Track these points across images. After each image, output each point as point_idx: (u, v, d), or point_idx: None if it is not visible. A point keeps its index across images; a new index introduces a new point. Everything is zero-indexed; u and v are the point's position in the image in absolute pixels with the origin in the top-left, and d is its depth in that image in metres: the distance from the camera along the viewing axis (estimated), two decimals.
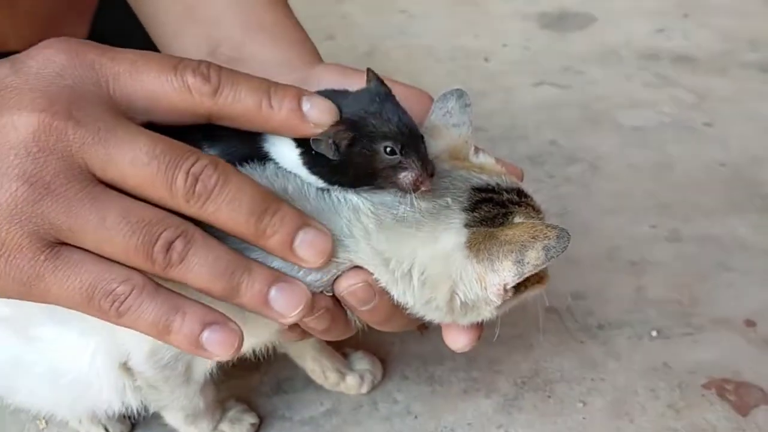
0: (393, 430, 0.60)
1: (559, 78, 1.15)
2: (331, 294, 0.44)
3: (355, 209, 0.43)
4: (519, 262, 0.40)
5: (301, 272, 0.42)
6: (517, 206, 0.44)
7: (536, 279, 0.45)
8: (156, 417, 0.57)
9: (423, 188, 0.41)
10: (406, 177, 0.41)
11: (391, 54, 1.20)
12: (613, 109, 1.06)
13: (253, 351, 0.50)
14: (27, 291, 0.38)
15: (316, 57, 0.58)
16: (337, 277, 0.43)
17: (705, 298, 0.74)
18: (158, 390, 0.51)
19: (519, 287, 0.44)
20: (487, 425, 0.61)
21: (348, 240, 0.42)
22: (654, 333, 0.70)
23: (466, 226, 0.42)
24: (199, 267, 0.38)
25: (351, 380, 0.61)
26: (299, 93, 0.41)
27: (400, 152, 0.40)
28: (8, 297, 0.39)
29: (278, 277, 0.41)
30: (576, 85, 1.13)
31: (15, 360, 0.50)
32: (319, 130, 0.41)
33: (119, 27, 0.98)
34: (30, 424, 0.59)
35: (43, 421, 0.59)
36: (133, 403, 0.52)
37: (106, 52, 0.40)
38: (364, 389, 0.62)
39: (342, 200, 0.43)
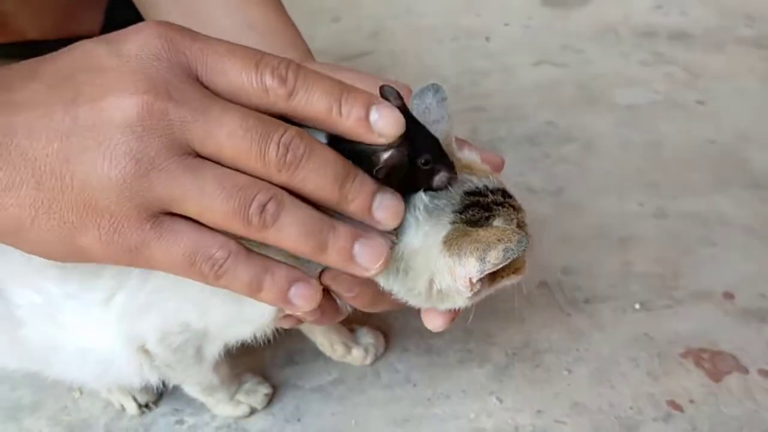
0: (394, 397, 0.66)
1: (557, 57, 1.18)
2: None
3: None
4: (481, 259, 0.45)
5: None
6: (500, 207, 0.48)
7: (512, 270, 0.50)
8: (180, 387, 0.63)
9: (452, 182, 0.47)
10: (441, 178, 0.46)
11: (396, 35, 1.24)
12: (609, 88, 1.10)
13: (255, 336, 0.55)
14: (134, 258, 0.42)
15: (308, 54, 0.62)
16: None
17: (687, 272, 0.79)
18: (173, 369, 0.56)
19: (495, 277, 0.49)
20: (480, 392, 0.66)
21: None
22: (637, 306, 0.75)
23: (452, 223, 0.47)
24: (290, 227, 0.41)
25: (356, 353, 0.67)
26: (369, 101, 0.43)
27: (432, 161, 0.46)
28: (117, 264, 0.44)
29: (360, 233, 0.44)
30: (574, 64, 1.16)
31: (49, 341, 0.55)
32: (383, 140, 0.43)
33: (132, 18, 1.02)
34: (66, 395, 0.66)
35: (78, 391, 0.65)
36: (152, 379, 0.57)
37: (197, 40, 0.42)
38: (368, 361, 0.68)
39: None
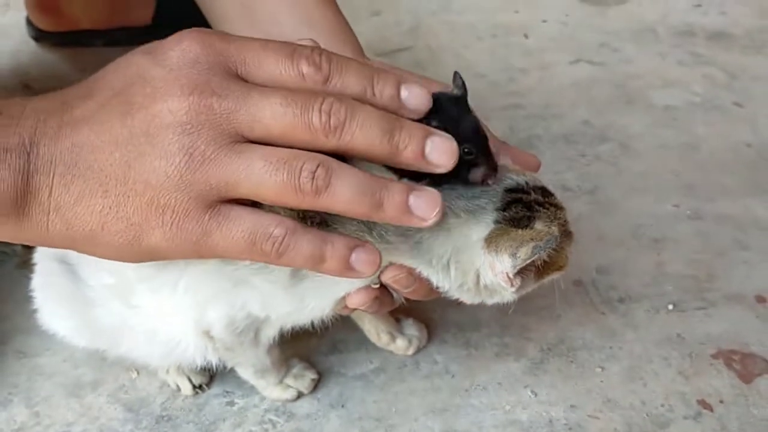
0: (433, 387, 0.69)
1: (595, 55, 1.19)
2: (378, 285, 0.52)
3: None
4: (513, 255, 0.48)
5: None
6: (542, 207, 0.51)
7: (556, 267, 0.53)
8: (231, 370, 0.66)
9: (489, 181, 0.50)
10: (476, 173, 0.49)
11: (435, 30, 1.25)
12: (646, 89, 1.11)
13: (312, 323, 0.59)
14: (198, 249, 0.45)
15: (361, 53, 0.64)
16: (382, 270, 0.51)
17: (720, 275, 0.80)
18: (233, 351, 0.60)
19: (541, 273, 0.53)
20: (516, 385, 0.69)
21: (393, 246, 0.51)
22: (670, 306, 0.77)
23: (495, 222, 0.50)
24: (343, 189, 0.44)
25: (400, 342, 0.70)
26: (398, 81, 0.47)
27: (475, 154, 0.48)
28: (183, 257, 0.47)
29: (412, 186, 0.46)
30: (611, 63, 1.17)
31: (119, 321, 0.59)
32: (414, 115, 0.47)
33: (181, 10, 1.06)
34: (124, 374, 0.69)
35: (135, 372, 0.69)
36: (213, 360, 0.62)
37: (233, 41, 0.46)
38: (411, 351, 0.71)
39: None
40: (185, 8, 0.93)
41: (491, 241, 0.50)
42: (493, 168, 0.50)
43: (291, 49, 0.46)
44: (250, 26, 0.65)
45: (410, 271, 0.52)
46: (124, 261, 0.48)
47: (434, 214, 0.46)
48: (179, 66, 0.44)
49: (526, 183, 0.53)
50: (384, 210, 0.45)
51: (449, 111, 0.49)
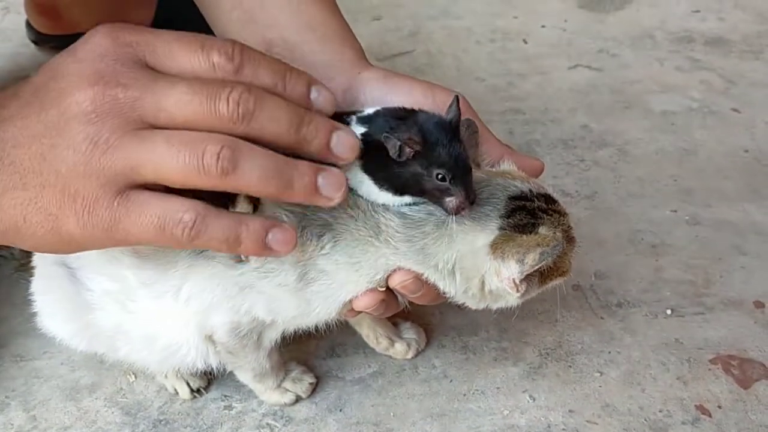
0: (431, 391, 0.69)
1: (593, 60, 1.19)
2: (384, 288, 0.52)
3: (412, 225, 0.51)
4: (520, 261, 0.49)
5: (363, 276, 0.52)
6: (545, 214, 0.51)
7: (559, 272, 0.53)
8: (229, 374, 0.66)
9: (463, 213, 0.49)
10: (451, 202, 0.49)
11: (434, 35, 1.26)
12: (644, 94, 1.11)
13: (316, 327, 0.59)
14: (111, 236, 0.46)
15: (362, 58, 0.64)
16: (389, 275, 0.52)
17: (718, 280, 0.80)
18: (234, 355, 0.60)
19: (544, 278, 0.53)
20: (514, 389, 0.69)
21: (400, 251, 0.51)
22: (668, 311, 0.77)
23: (500, 229, 0.51)
24: (252, 169, 0.44)
25: (399, 346, 0.70)
26: (310, 81, 0.48)
27: (450, 181, 0.48)
28: (96, 246, 0.48)
29: (320, 167, 0.47)
30: (609, 68, 1.18)
31: (118, 326, 0.59)
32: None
33: (181, 12, 1.05)
34: (122, 378, 0.69)
35: (133, 375, 0.69)
36: (213, 364, 0.62)
37: (143, 33, 0.47)
38: (410, 355, 0.71)
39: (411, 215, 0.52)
40: (185, 12, 0.94)
41: (497, 248, 0.50)
42: (469, 200, 0.49)
43: (202, 40, 0.47)
44: (251, 30, 0.65)
45: (417, 276, 0.53)
46: (49, 252, 0.50)
47: (339, 193, 0.47)
48: (88, 59, 0.46)
49: (530, 191, 0.53)
50: (293, 189, 0.46)
51: (434, 134, 0.49)
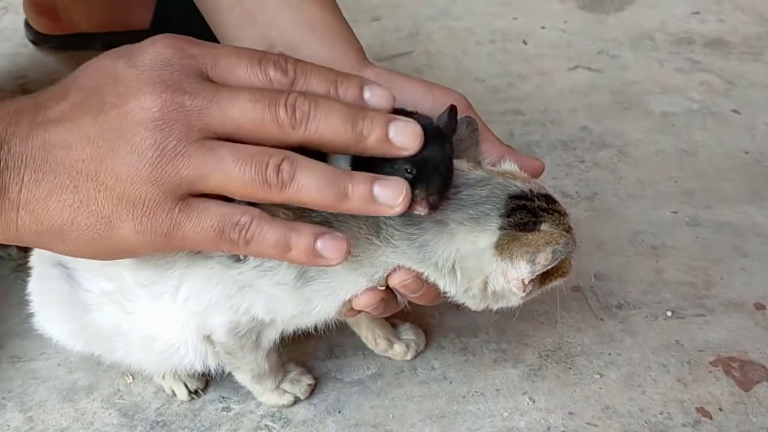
0: (430, 392, 0.69)
1: (593, 62, 1.19)
2: (384, 287, 0.52)
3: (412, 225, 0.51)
4: (531, 261, 0.49)
5: (362, 275, 0.51)
6: (546, 213, 0.51)
7: (560, 273, 0.53)
8: (227, 376, 0.66)
9: (415, 212, 0.48)
10: (419, 195, 0.48)
11: (434, 36, 1.25)
12: (644, 95, 1.11)
13: (315, 327, 0.59)
14: (168, 242, 0.47)
15: (363, 57, 0.64)
16: (389, 274, 0.52)
17: (718, 282, 0.80)
18: (233, 355, 0.60)
19: (544, 279, 0.53)
20: (514, 391, 0.69)
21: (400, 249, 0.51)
22: (669, 313, 0.77)
23: (500, 229, 0.50)
24: (308, 181, 0.45)
25: (398, 348, 0.70)
26: (361, 83, 0.49)
27: (414, 176, 0.47)
28: (153, 250, 0.48)
29: (375, 176, 0.47)
30: (609, 70, 1.17)
31: (115, 327, 0.59)
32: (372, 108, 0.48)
33: (180, 14, 1.05)
34: (119, 379, 0.69)
35: (131, 377, 0.69)
36: (212, 365, 0.61)
37: (204, 47, 0.48)
38: (409, 356, 0.70)
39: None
40: (184, 12, 0.93)
41: (503, 248, 0.50)
42: (431, 204, 0.48)
43: (260, 55, 0.48)
44: (251, 30, 0.64)
45: (418, 276, 0.52)
46: (90, 257, 0.49)
47: (400, 200, 0.46)
48: (152, 67, 0.46)
49: (531, 190, 0.52)
50: (349, 200, 0.46)
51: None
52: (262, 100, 0.46)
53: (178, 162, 0.45)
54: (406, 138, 0.47)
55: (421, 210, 0.48)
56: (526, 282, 0.50)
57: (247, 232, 0.46)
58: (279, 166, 0.45)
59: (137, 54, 0.47)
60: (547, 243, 0.48)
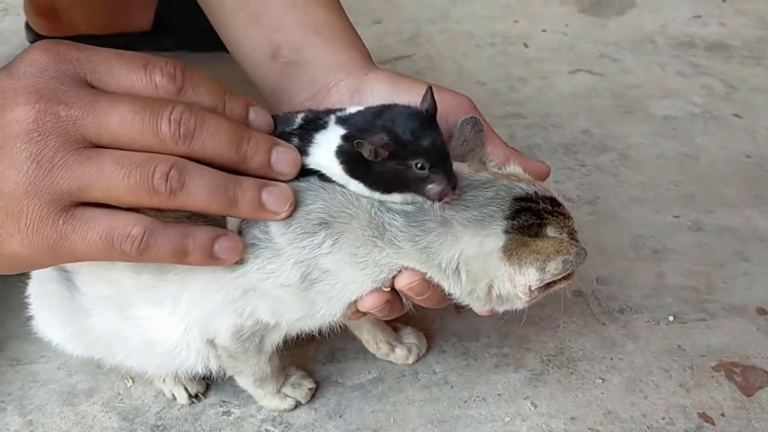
0: (431, 397, 0.68)
1: (594, 65, 1.19)
2: (389, 289, 0.52)
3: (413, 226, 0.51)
4: (541, 269, 0.48)
5: (367, 276, 0.51)
6: (551, 216, 0.51)
7: (564, 277, 0.53)
8: (228, 379, 0.65)
9: (446, 199, 0.49)
10: (432, 189, 0.49)
11: (434, 39, 1.25)
12: (646, 99, 1.11)
13: (320, 330, 0.58)
14: (56, 254, 0.46)
15: (368, 60, 0.64)
16: (395, 276, 0.51)
17: (720, 286, 0.80)
18: (236, 359, 0.60)
19: (549, 283, 0.52)
20: (515, 396, 0.69)
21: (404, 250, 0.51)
22: (671, 318, 0.76)
23: (506, 232, 0.50)
24: (198, 189, 0.45)
25: (399, 352, 0.69)
26: (248, 103, 0.50)
27: (429, 168, 0.48)
28: (42, 265, 0.48)
29: (264, 182, 0.48)
30: (611, 73, 1.17)
31: (115, 332, 0.59)
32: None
33: (181, 16, 1.05)
34: (119, 383, 0.68)
35: (131, 380, 0.68)
36: (213, 368, 0.61)
37: (84, 50, 0.47)
38: (410, 360, 0.70)
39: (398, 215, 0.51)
40: (185, 13, 0.93)
41: (512, 253, 0.50)
42: (451, 185, 0.49)
43: (145, 60, 0.47)
44: (256, 32, 0.64)
45: (424, 278, 0.52)
46: None
47: (285, 208, 0.48)
48: (27, 75, 0.45)
49: (536, 193, 0.52)
50: (238, 207, 0.47)
51: (406, 125, 0.48)
52: (143, 111, 0.44)
53: (57, 173, 0.44)
54: (285, 165, 0.48)
55: (449, 198, 0.49)
56: (533, 289, 0.50)
57: (140, 243, 0.45)
58: (167, 174, 0.44)
59: (15, 63, 0.46)
60: (558, 252, 0.48)
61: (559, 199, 0.55)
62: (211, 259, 0.47)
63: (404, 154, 0.48)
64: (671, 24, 1.30)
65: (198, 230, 0.47)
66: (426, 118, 0.49)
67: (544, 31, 1.29)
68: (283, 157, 0.48)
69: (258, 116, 0.50)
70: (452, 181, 0.49)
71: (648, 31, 1.28)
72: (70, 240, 0.45)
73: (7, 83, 0.45)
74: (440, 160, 0.49)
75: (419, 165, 0.48)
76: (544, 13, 1.33)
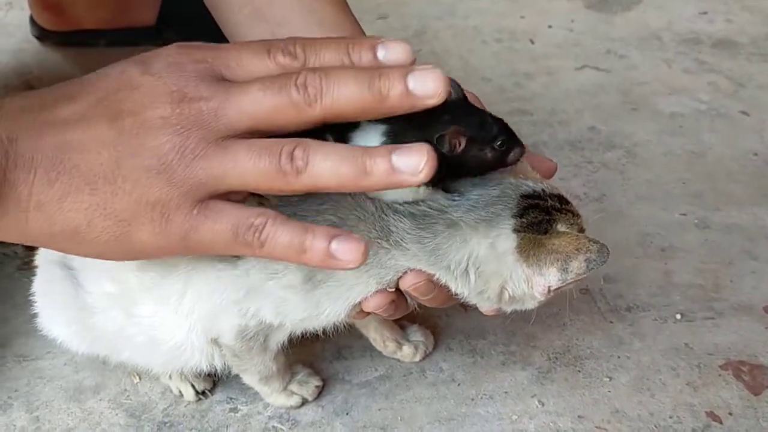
0: (438, 394, 0.68)
1: (601, 61, 1.19)
2: (393, 289, 0.52)
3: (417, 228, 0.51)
4: (563, 270, 0.48)
5: (372, 277, 0.51)
6: (559, 213, 0.51)
7: None
8: (235, 376, 0.65)
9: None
10: (515, 155, 0.51)
11: (440, 35, 1.25)
12: (652, 96, 1.10)
13: (324, 330, 0.58)
14: (185, 244, 0.46)
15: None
16: (400, 276, 0.51)
17: (728, 285, 0.80)
18: (240, 358, 0.60)
19: None
20: (522, 394, 0.68)
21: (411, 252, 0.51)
22: (678, 316, 0.76)
23: (515, 230, 0.50)
24: (323, 162, 0.44)
25: (407, 349, 0.69)
26: (373, 43, 0.47)
27: (506, 141, 0.50)
28: (170, 253, 0.48)
29: (392, 147, 0.45)
30: (617, 70, 1.17)
31: (120, 330, 0.59)
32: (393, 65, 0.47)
33: (186, 12, 1.05)
34: (126, 379, 0.68)
35: (138, 377, 0.68)
36: (218, 365, 0.61)
37: (213, 49, 0.48)
38: (417, 358, 0.70)
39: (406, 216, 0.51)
40: (190, 10, 0.93)
41: (528, 254, 0.49)
42: (521, 144, 0.51)
43: (267, 45, 0.48)
44: (261, 28, 0.64)
45: (429, 278, 0.52)
46: (105, 258, 0.49)
47: (422, 167, 0.44)
48: (167, 74, 0.46)
49: (543, 190, 0.52)
50: (371, 174, 0.44)
51: (464, 110, 0.50)
52: (271, 86, 0.45)
53: (197, 164, 0.45)
54: (427, 85, 0.44)
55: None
56: (553, 289, 0.49)
57: (261, 233, 0.45)
58: (292, 153, 0.44)
59: (150, 61, 0.47)
60: (578, 250, 0.47)
61: (567, 197, 0.54)
62: (329, 258, 0.45)
63: (479, 138, 0.49)
64: (677, 20, 1.29)
65: (318, 228, 0.46)
66: (468, 102, 0.51)
67: (550, 27, 1.28)
68: (422, 78, 0.44)
69: (387, 51, 0.46)
70: (518, 138, 0.51)
71: (654, 28, 1.27)
72: (200, 231, 0.46)
73: (145, 80, 0.46)
74: (506, 130, 0.50)
75: (499, 143, 0.49)
76: (550, 9, 1.32)
